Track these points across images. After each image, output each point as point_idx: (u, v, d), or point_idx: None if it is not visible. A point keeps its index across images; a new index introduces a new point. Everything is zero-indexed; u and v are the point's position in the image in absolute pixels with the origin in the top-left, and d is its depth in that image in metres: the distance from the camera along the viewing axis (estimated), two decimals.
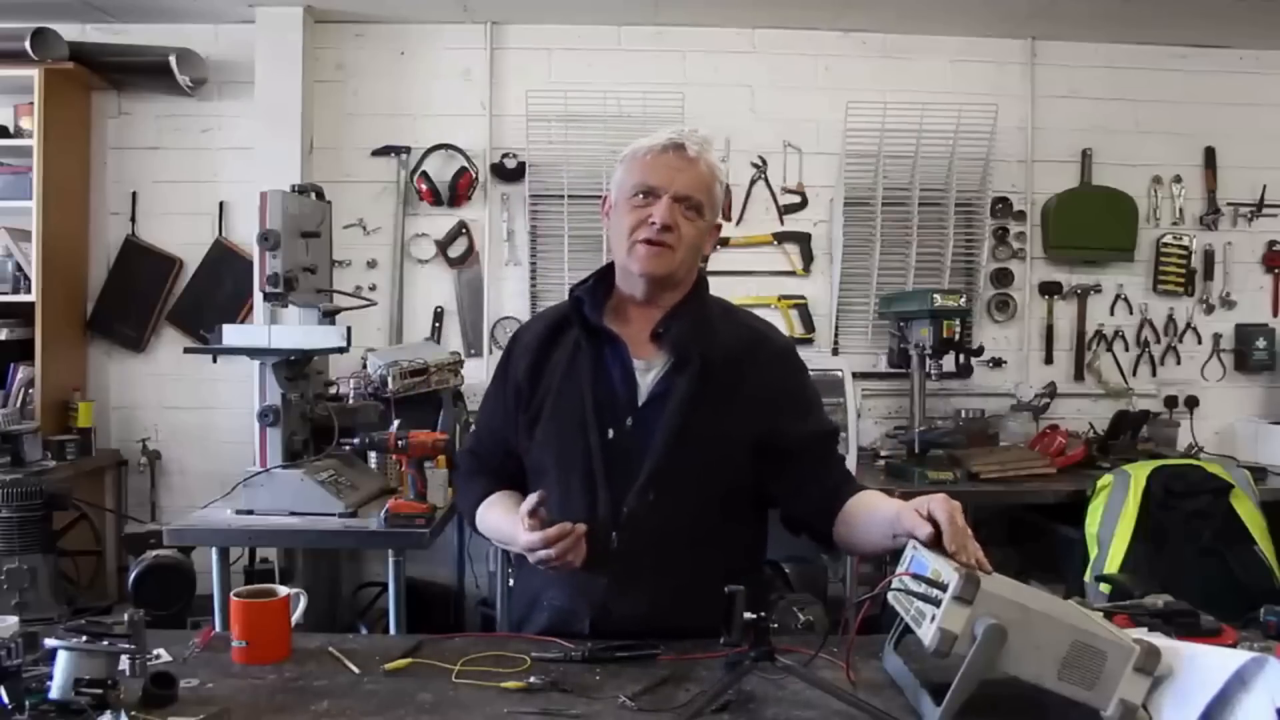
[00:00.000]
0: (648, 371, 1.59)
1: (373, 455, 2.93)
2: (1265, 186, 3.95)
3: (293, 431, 2.63)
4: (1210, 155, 3.96)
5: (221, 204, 3.80)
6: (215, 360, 2.93)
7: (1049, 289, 3.95)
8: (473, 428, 1.93)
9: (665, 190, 1.55)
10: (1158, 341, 3.97)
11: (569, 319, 1.65)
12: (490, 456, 1.73)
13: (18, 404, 3.45)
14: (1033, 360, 3.97)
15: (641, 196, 1.57)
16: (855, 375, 3.54)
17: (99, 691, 1.15)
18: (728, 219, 3.84)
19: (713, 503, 1.56)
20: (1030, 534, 3.53)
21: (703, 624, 1.36)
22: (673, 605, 1.48)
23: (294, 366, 2.62)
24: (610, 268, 1.67)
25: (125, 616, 1.24)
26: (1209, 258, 3.97)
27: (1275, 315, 4.00)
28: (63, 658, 1.16)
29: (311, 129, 3.74)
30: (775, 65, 3.88)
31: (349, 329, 2.67)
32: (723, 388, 1.56)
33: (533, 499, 1.44)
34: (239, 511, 2.57)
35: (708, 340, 1.58)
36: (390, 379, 3.08)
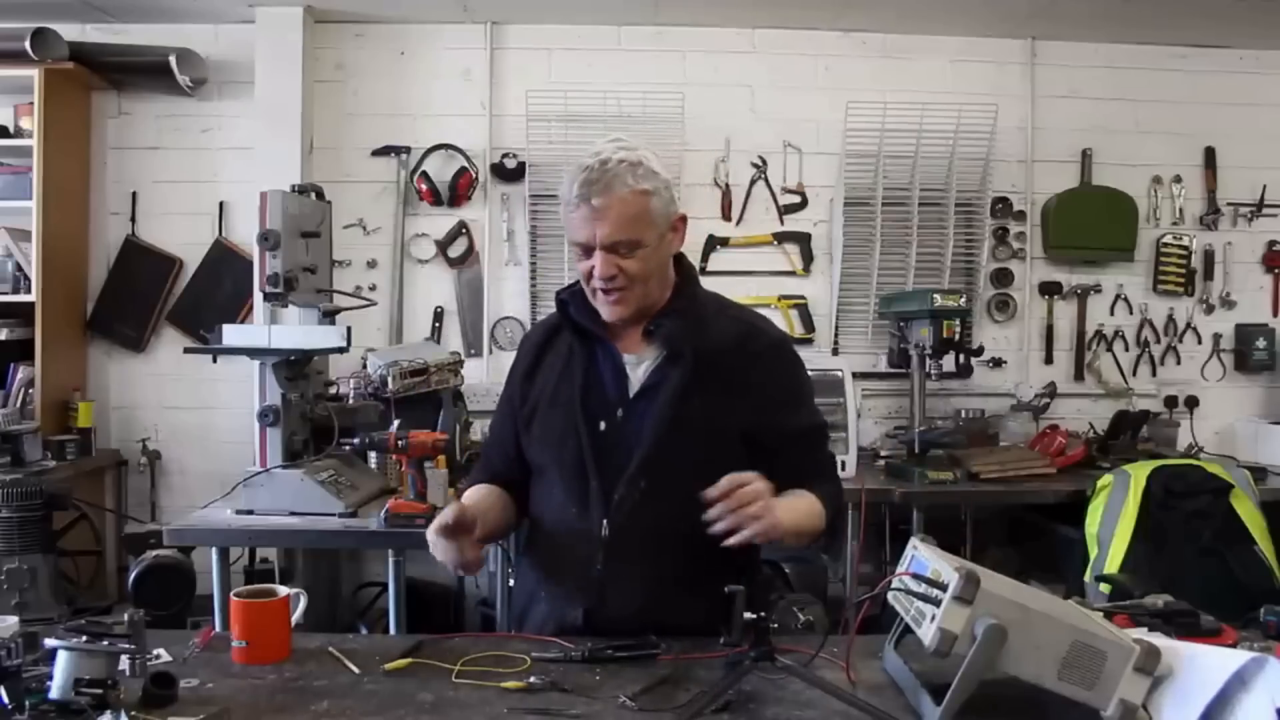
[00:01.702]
0: (639, 365, 1.61)
1: (373, 455, 2.93)
2: (1265, 186, 3.95)
3: (293, 431, 2.63)
4: (1210, 155, 3.96)
5: (221, 204, 3.80)
6: (215, 360, 2.93)
7: (1049, 289, 3.95)
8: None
9: (592, 244, 1.53)
10: (1158, 341, 3.97)
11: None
12: (492, 460, 1.78)
13: (18, 404, 3.45)
14: (1033, 360, 3.97)
15: (579, 249, 1.56)
16: (855, 375, 3.54)
17: (99, 691, 1.15)
18: (727, 219, 3.85)
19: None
20: (1030, 534, 3.53)
21: (698, 615, 1.37)
22: (667, 594, 1.50)
23: (294, 366, 2.62)
24: None
25: (125, 616, 1.24)
26: (1209, 258, 3.97)
27: (1275, 315, 4.00)
28: (63, 658, 1.16)
29: (311, 129, 3.74)
30: (775, 65, 3.88)
31: (349, 329, 2.67)
32: (714, 379, 1.58)
33: (450, 515, 1.47)
34: (239, 511, 2.57)
35: (698, 335, 1.60)
36: (390, 379, 3.07)
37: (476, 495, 1.68)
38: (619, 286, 1.55)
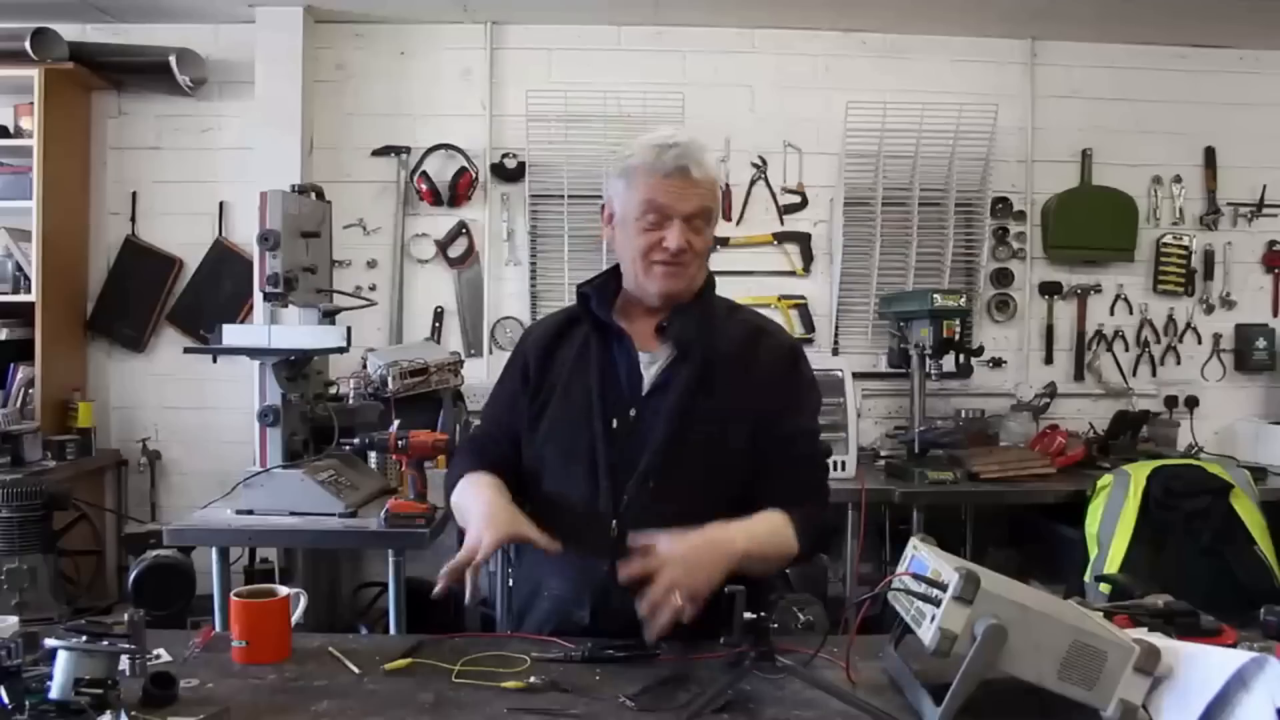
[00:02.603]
0: (652, 364, 1.62)
1: (373, 455, 2.92)
2: (1265, 186, 3.95)
3: (293, 431, 2.63)
4: (1210, 155, 3.96)
5: (221, 204, 3.80)
6: (215, 360, 2.93)
7: (1049, 289, 3.95)
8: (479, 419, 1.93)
9: (676, 213, 1.56)
10: (1158, 341, 3.98)
11: (579, 317, 1.68)
12: (487, 437, 1.76)
13: (18, 404, 3.45)
14: (1033, 360, 3.97)
15: (652, 218, 1.57)
16: (855, 375, 3.54)
17: (99, 691, 1.15)
18: (727, 219, 3.85)
19: (714, 492, 1.56)
20: (1030, 534, 3.53)
21: (703, 614, 1.36)
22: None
23: (294, 366, 2.62)
24: (618, 269, 1.69)
25: (125, 616, 1.24)
26: (1209, 258, 3.97)
27: (1275, 315, 4.01)
28: (63, 658, 1.16)
29: (311, 129, 3.74)
30: (775, 65, 3.88)
31: (349, 329, 2.66)
32: (722, 380, 1.58)
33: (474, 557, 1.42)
34: (239, 511, 2.57)
35: (710, 334, 1.61)
36: (390, 379, 3.08)
37: (484, 481, 1.61)
38: (684, 262, 1.58)
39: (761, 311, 1.83)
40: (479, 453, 1.72)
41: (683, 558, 1.37)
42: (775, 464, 1.59)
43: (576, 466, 1.58)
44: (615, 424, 1.57)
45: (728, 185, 3.86)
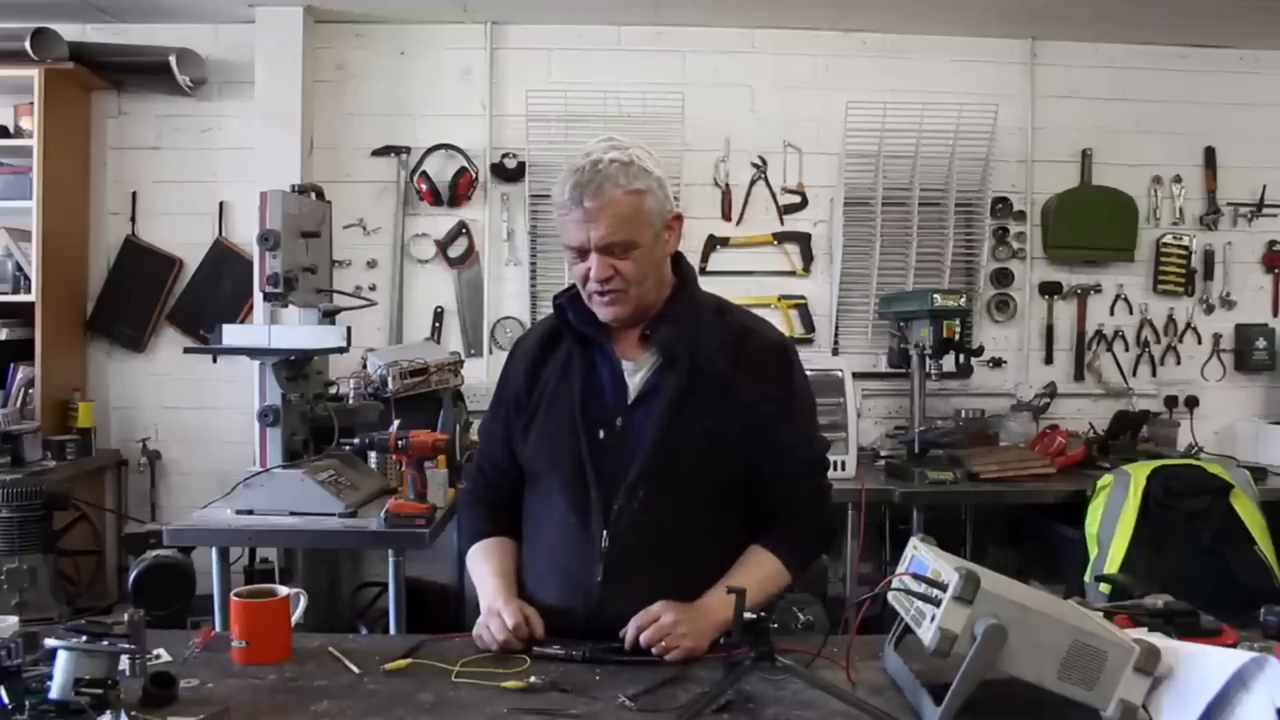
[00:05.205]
0: (636, 372, 1.60)
1: (373, 455, 2.93)
2: (1265, 186, 3.95)
3: (293, 431, 2.63)
4: (1210, 155, 3.95)
5: (221, 204, 3.80)
6: (215, 360, 2.93)
7: (1049, 289, 3.95)
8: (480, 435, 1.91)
9: (586, 246, 1.51)
10: (1158, 341, 3.97)
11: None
12: (490, 469, 1.75)
13: (18, 404, 3.45)
14: (1033, 360, 3.97)
15: (574, 252, 1.55)
16: (855, 375, 3.53)
17: (99, 691, 1.15)
18: (727, 219, 3.85)
19: (705, 498, 1.57)
20: (1030, 534, 3.53)
21: None
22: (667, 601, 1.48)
23: (294, 366, 2.62)
24: None
25: (125, 616, 1.24)
26: (1209, 258, 3.97)
27: (1275, 315, 4.00)
28: (63, 658, 1.16)
29: (311, 129, 3.74)
30: (775, 65, 3.88)
31: (349, 329, 2.67)
32: (710, 384, 1.56)
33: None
34: (239, 511, 2.57)
35: (695, 339, 1.58)
36: (390, 379, 3.08)
37: (498, 555, 1.66)
38: (615, 289, 1.53)
39: (760, 312, 1.81)
40: (486, 492, 1.75)
41: (681, 619, 1.44)
42: (771, 474, 1.59)
43: (566, 478, 1.57)
44: (602, 434, 1.56)
45: (727, 185, 3.86)
